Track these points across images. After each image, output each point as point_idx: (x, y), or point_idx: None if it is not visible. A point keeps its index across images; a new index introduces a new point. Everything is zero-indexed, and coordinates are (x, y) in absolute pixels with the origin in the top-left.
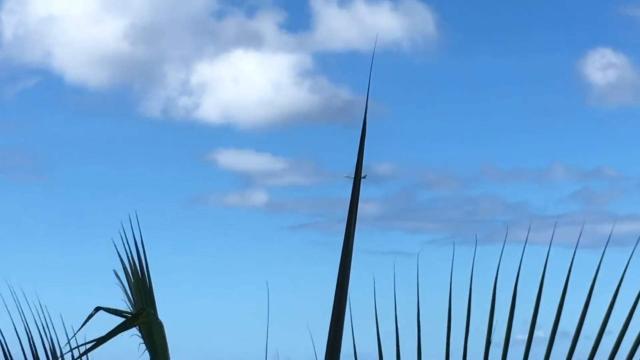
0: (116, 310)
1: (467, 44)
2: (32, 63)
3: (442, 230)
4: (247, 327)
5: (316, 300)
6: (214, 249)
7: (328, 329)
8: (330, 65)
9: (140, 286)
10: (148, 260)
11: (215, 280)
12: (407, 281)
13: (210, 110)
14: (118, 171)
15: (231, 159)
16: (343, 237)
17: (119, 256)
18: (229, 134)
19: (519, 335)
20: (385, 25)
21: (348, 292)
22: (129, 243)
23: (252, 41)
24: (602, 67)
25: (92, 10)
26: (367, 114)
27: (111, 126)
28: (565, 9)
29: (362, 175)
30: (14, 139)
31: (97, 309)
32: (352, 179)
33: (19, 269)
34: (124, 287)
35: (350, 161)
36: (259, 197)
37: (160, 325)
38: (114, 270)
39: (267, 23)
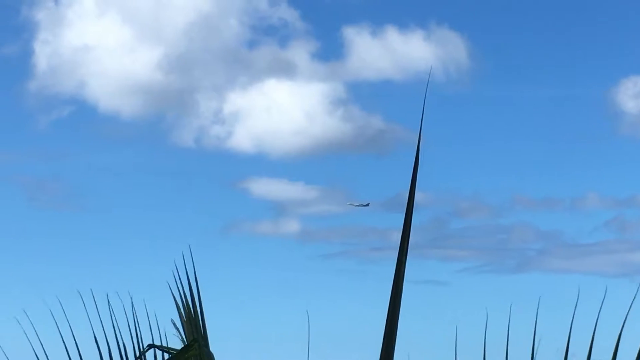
0: (168, 348)
1: (499, 73)
2: (66, 93)
3: (475, 258)
4: (283, 354)
5: (349, 327)
6: (247, 278)
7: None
8: (362, 94)
9: (193, 320)
10: (201, 295)
11: (248, 308)
12: (441, 309)
13: (242, 139)
14: (151, 200)
15: (264, 187)
16: (395, 269)
17: (172, 293)
18: (261, 162)
19: None
20: (418, 54)
21: (398, 324)
22: (181, 278)
23: (285, 70)
24: (634, 95)
25: (125, 40)
26: (419, 148)
27: (144, 155)
28: (598, 38)
29: (366, 204)
30: (47, 168)
31: (150, 346)
32: (355, 206)
33: (51, 291)
34: (176, 326)
35: (383, 189)
36: (291, 226)
37: (210, 356)
38: (172, 320)
39: (300, 52)
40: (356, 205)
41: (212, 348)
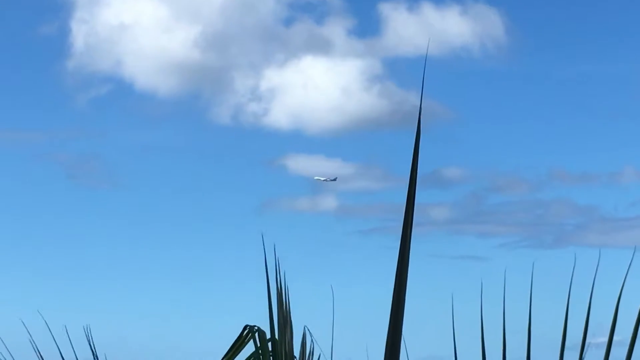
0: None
1: (536, 48)
2: (103, 71)
3: (513, 233)
4: (320, 332)
5: (386, 303)
6: (284, 254)
7: (387, 332)
8: (399, 70)
9: (279, 309)
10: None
11: (287, 284)
12: (478, 285)
13: (279, 116)
14: (188, 177)
15: (301, 164)
16: (400, 241)
17: (267, 281)
18: (298, 139)
19: (593, 339)
20: (454, 29)
21: (405, 296)
22: (269, 272)
23: (321, 47)
24: None
25: (162, 18)
26: (421, 115)
27: (181, 133)
28: (636, 13)
29: (333, 178)
30: (85, 146)
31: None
32: (322, 181)
33: (92, 270)
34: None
35: (419, 165)
36: (329, 202)
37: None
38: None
39: (336, 29)
40: (323, 180)
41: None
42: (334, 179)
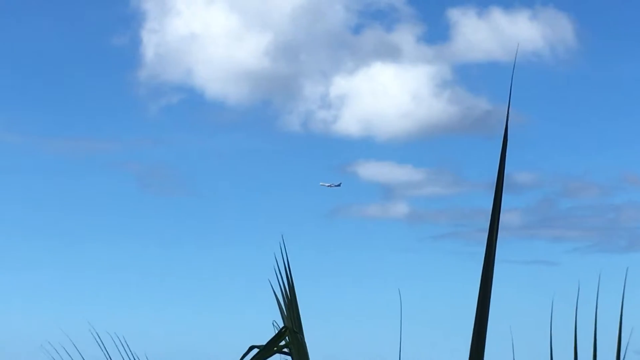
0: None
1: (607, 52)
2: (174, 80)
3: (585, 238)
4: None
5: (458, 308)
6: (355, 260)
7: (471, 337)
8: (468, 75)
9: (290, 310)
10: (301, 281)
11: (356, 290)
12: (551, 290)
13: (349, 122)
14: (259, 184)
15: (371, 170)
16: (485, 247)
17: (272, 287)
18: (368, 146)
19: None
20: (525, 34)
21: (490, 303)
22: (280, 269)
23: (391, 54)
24: None
25: (233, 27)
26: (508, 123)
27: (251, 140)
28: None
29: (337, 184)
30: (157, 154)
31: (251, 347)
32: (327, 187)
33: (161, 279)
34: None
35: (490, 170)
36: (400, 208)
37: (300, 343)
38: (273, 322)
39: (406, 35)
40: (327, 185)
41: (316, 327)
42: (338, 185)
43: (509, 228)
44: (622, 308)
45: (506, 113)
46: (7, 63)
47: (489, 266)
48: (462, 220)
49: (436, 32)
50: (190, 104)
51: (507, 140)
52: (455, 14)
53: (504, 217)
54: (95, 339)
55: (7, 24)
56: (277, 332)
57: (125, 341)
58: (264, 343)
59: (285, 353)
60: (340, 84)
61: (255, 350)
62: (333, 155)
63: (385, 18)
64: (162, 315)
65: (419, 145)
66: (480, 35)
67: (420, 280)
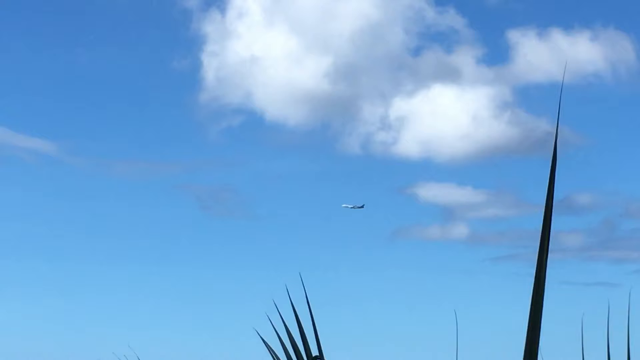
0: None
1: None
2: (234, 103)
3: None
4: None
5: (517, 332)
6: (416, 282)
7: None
8: (529, 97)
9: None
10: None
11: (415, 311)
12: (614, 313)
13: (409, 144)
14: (319, 206)
15: (431, 192)
16: (535, 268)
17: (282, 318)
18: (428, 167)
19: None
20: (585, 55)
21: (541, 323)
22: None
23: (450, 75)
24: None
25: (293, 50)
26: (557, 143)
27: (311, 162)
28: None
29: (360, 205)
30: (218, 176)
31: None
32: (350, 208)
33: (226, 299)
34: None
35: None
36: (460, 230)
37: None
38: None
39: (465, 57)
40: (350, 207)
41: (376, 346)
42: (362, 206)
43: (569, 250)
44: None
45: (555, 133)
46: (70, 88)
47: (540, 288)
48: (522, 242)
49: (496, 54)
50: (250, 126)
51: (556, 159)
52: (515, 35)
53: (565, 239)
54: None
55: (71, 49)
56: None
57: None
58: None
59: None
60: (400, 106)
61: None
62: (393, 177)
63: (445, 40)
64: (229, 339)
65: (478, 167)
66: (540, 57)
67: (478, 302)
